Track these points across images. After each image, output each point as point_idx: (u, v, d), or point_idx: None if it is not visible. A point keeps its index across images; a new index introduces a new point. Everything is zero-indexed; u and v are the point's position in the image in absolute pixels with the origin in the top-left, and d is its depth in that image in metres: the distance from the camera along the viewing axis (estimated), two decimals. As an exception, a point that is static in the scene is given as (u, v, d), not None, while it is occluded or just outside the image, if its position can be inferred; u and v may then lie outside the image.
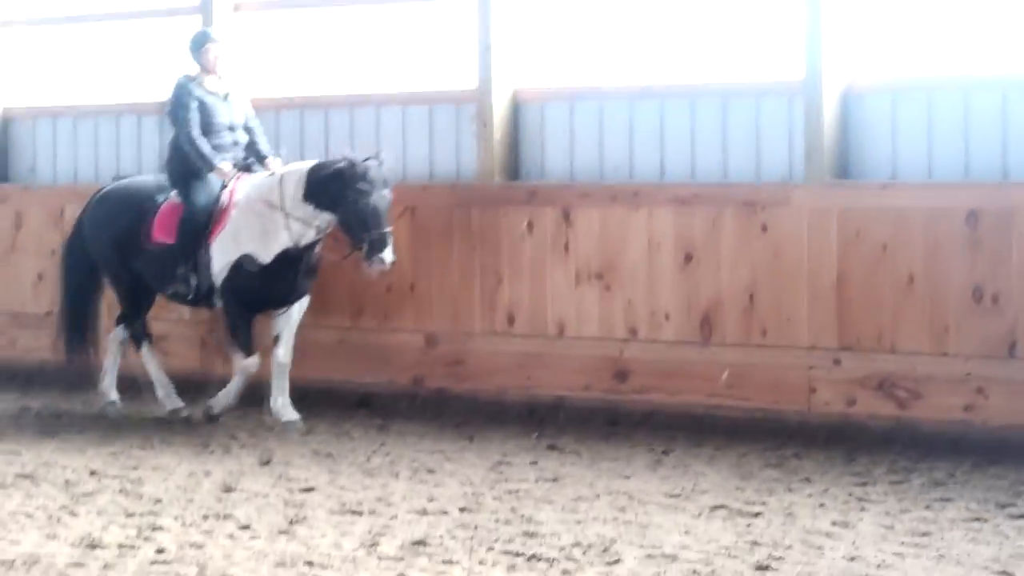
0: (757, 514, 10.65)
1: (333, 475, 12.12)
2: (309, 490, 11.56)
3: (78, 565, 9.31)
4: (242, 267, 13.58)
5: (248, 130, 14.18)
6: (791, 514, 10.64)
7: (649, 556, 9.49)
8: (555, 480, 11.83)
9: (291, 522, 10.52)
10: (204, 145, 13.67)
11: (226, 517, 10.68)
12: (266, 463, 12.63)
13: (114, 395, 14.84)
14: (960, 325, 12.85)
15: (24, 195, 17.82)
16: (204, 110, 13.78)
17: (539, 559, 9.46)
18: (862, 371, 13.12)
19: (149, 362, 14.60)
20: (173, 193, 14.01)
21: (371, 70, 15.75)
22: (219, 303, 14.00)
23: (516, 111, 14.95)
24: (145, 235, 14.02)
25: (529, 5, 14.88)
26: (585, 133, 14.42)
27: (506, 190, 15.00)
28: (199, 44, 14.05)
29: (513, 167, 15.05)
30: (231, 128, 13.99)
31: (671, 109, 14.33)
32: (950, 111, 13.30)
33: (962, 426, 12.70)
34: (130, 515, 10.71)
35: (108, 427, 14.37)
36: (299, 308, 14.01)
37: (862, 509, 10.75)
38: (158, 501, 11.17)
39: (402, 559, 9.53)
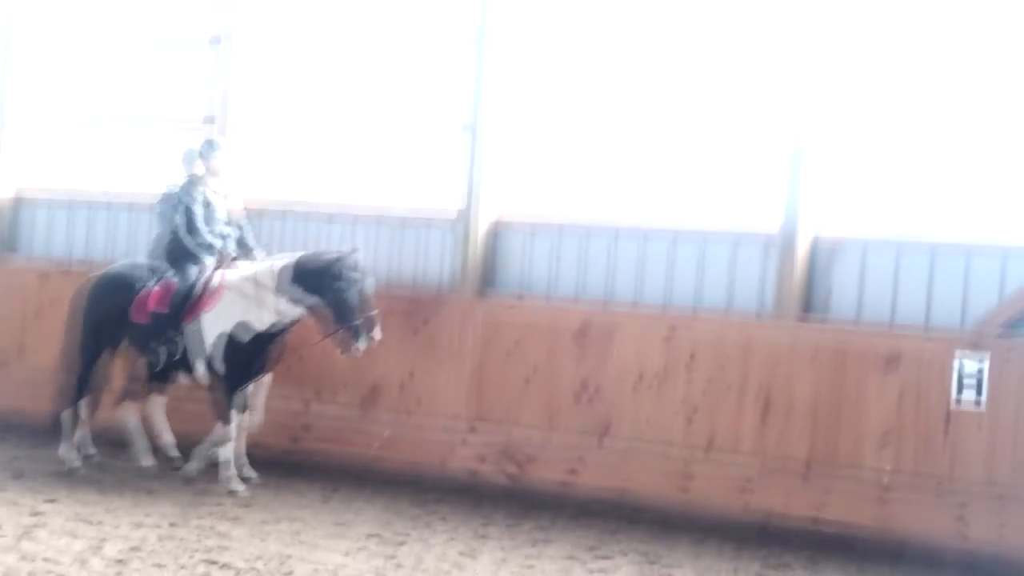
0: (401, 543, 10.77)
1: (71, 490, 11.98)
2: (51, 501, 11.44)
3: None
4: (236, 336, 12.63)
5: (238, 226, 13.39)
6: (428, 543, 10.79)
7: (315, 570, 9.60)
8: (246, 506, 11.83)
9: (31, 528, 10.41)
10: (206, 234, 12.98)
11: (-20, 519, 10.57)
12: (17, 477, 12.44)
13: (175, 452, 13.40)
14: (566, 412, 13.10)
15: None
16: (207, 205, 13.09)
17: (228, 567, 9.52)
18: (489, 441, 13.32)
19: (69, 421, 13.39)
20: (169, 274, 13.08)
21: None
22: (185, 379, 13.04)
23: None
24: (137, 309, 13.04)
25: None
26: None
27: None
28: (208, 151, 13.23)
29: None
30: (227, 223, 13.25)
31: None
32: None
33: (564, 487, 12.87)
34: None
35: None
36: (266, 382, 13.19)
37: (483, 544, 10.92)
38: (-77, 504, 10.99)
39: (119, 562, 9.52)
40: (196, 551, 9.95)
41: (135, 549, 9.89)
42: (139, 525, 10.73)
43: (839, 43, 12.64)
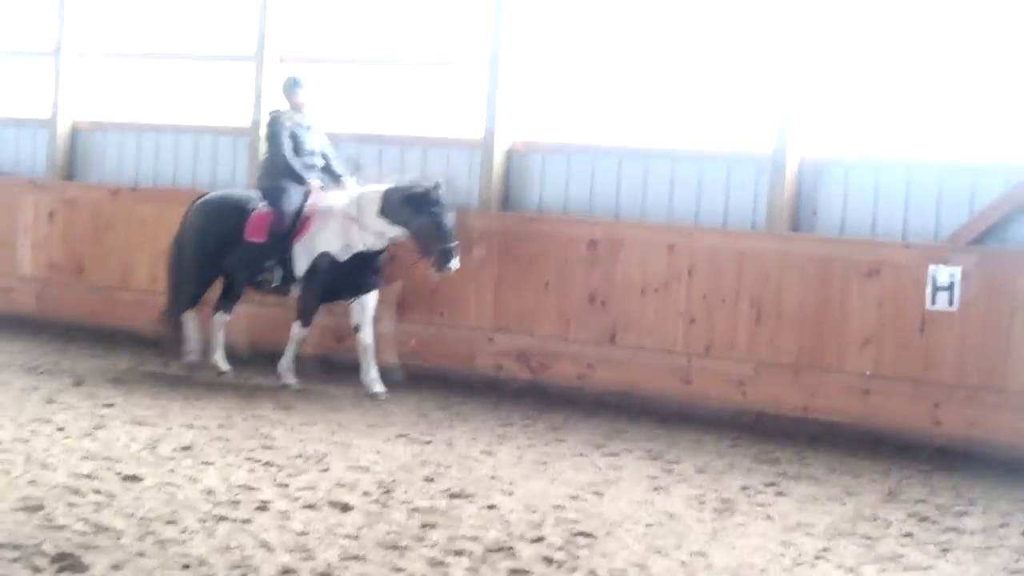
0: (428, 442, 10.82)
1: (128, 396, 12.01)
2: (110, 405, 11.49)
3: (-69, 454, 9.20)
4: (321, 262, 12.68)
5: (324, 155, 13.24)
6: (451, 443, 10.84)
7: (350, 467, 9.65)
8: (287, 409, 11.87)
9: (95, 428, 10.47)
10: (297, 164, 12.85)
11: (47, 421, 10.60)
12: (79, 384, 12.45)
13: (225, 366, 13.46)
14: (579, 318, 13.13)
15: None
16: (295, 138, 12.92)
17: (272, 463, 9.59)
18: (509, 346, 13.36)
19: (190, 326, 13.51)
20: (262, 204, 13.06)
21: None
22: (295, 291, 12.99)
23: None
24: (240, 235, 13.05)
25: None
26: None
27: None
28: (292, 87, 13.11)
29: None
30: (312, 153, 13.06)
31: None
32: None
33: (575, 389, 12.96)
34: (-26, 418, 10.57)
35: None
36: (372, 299, 12.90)
37: (502, 443, 10.98)
38: (-3, 407, 11.05)
39: (174, 458, 9.58)
40: (241, 450, 9.99)
41: (187, 448, 9.94)
42: (190, 427, 10.77)
43: (824, -21, 12.57)
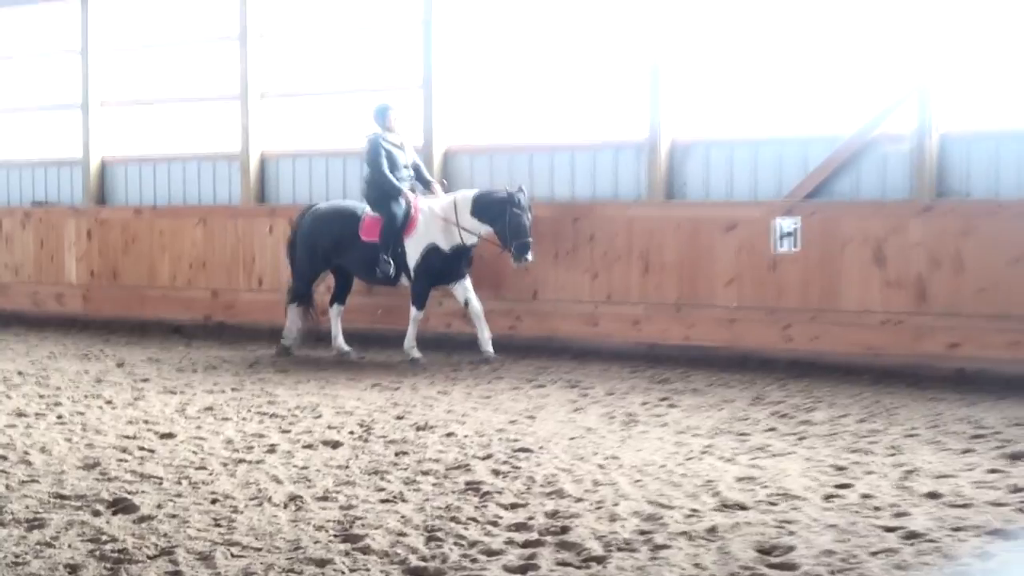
0: (397, 388, 10.84)
1: (159, 371, 11.99)
2: (146, 380, 11.45)
3: (12, 426, 9.18)
4: (430, 253, 12.29)
5: (415, 167, 12.72)
6: (415, 387, 10.86)
7: (337, 412, 9.65)
8: (285, 372, 11.87)
9: (135, 399, 10.43)
10: (392, 179, 12.29)
11: (97, 396, 10.56)
12: (120, 365, 12.43)
13: (346, 347, 12.91)
14: (507, 282, 13.12)
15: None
16: (390, 156, 12.41)
17: (276, 415, 9.57)
18: (454, 308, 13.23)
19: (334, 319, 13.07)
20: (368, 209, 12.58)
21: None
22: (406, 281, 12.54)
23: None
24: (356, 237, 12.61)
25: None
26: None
27: (256, 209, 14.85)
28: (384, 112, 12.54)
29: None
30: (406, 167, 12.56)
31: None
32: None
33: (508, 337, 12.90)
34: (42, 396, 10.52)
35: (27, 346, 13.92)
36: (468, 281, 12.51)
37: (454, 384, 11.00)
38: (58, 388, 10.98)
39: (199, 417, 9.55)
40: (252, 407, 9.98)
41: (209, 408, 9.92)
42: (210, 392, 10.75)
43: None
